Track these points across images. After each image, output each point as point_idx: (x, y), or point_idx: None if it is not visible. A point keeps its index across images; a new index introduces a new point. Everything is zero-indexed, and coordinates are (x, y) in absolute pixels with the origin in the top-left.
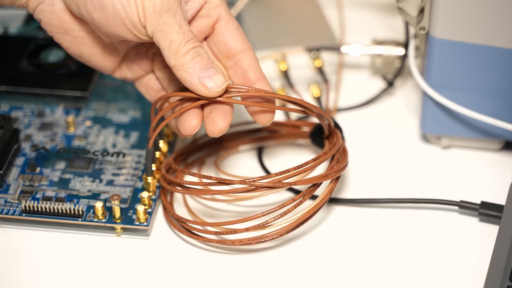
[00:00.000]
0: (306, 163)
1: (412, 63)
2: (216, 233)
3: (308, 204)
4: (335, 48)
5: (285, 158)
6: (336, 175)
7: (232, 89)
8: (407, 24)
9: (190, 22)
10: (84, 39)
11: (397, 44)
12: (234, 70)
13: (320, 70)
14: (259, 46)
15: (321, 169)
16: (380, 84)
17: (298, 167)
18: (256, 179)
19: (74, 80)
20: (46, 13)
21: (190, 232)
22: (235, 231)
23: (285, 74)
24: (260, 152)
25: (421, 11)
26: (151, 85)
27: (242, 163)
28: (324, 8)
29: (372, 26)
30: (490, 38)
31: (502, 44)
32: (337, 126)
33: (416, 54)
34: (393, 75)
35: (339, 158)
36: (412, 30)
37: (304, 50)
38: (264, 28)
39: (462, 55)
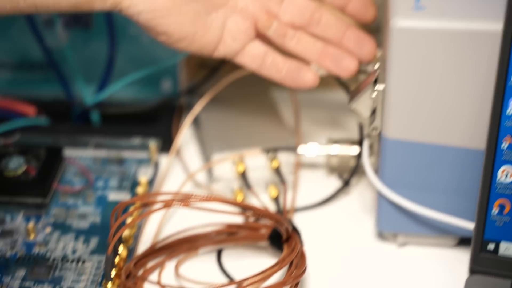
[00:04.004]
0: (265, 271)
1: (366, 162)
2: None
3: None
4: (292, 149)
5: (245, 261)
6: (294, 281)
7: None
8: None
9: None
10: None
11: (352, 143)
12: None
13: (277, 171)
14: (217, 148)
15: (280, 272)
16: (336, 183)
17: (256, 275)
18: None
19: (34, 187)
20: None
21: None
22: None
23: (243, 176)
24: (219, 255)
25: (373, 112)
26: (253, 52)
27: (202, 266)
28: (281, 109)
29: (327, 125)
30: (441, 137)
31: (453, 142)
32: (295, 229)
33: (370, 152)
34: (348, 174)
35: (297, 263)
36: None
37: (262, 151)
38: (222, 130)
39: (414, 154)
